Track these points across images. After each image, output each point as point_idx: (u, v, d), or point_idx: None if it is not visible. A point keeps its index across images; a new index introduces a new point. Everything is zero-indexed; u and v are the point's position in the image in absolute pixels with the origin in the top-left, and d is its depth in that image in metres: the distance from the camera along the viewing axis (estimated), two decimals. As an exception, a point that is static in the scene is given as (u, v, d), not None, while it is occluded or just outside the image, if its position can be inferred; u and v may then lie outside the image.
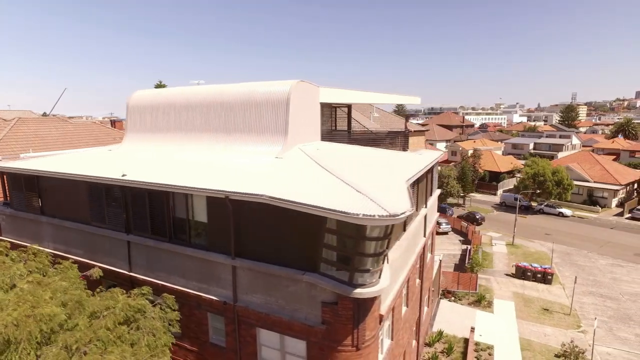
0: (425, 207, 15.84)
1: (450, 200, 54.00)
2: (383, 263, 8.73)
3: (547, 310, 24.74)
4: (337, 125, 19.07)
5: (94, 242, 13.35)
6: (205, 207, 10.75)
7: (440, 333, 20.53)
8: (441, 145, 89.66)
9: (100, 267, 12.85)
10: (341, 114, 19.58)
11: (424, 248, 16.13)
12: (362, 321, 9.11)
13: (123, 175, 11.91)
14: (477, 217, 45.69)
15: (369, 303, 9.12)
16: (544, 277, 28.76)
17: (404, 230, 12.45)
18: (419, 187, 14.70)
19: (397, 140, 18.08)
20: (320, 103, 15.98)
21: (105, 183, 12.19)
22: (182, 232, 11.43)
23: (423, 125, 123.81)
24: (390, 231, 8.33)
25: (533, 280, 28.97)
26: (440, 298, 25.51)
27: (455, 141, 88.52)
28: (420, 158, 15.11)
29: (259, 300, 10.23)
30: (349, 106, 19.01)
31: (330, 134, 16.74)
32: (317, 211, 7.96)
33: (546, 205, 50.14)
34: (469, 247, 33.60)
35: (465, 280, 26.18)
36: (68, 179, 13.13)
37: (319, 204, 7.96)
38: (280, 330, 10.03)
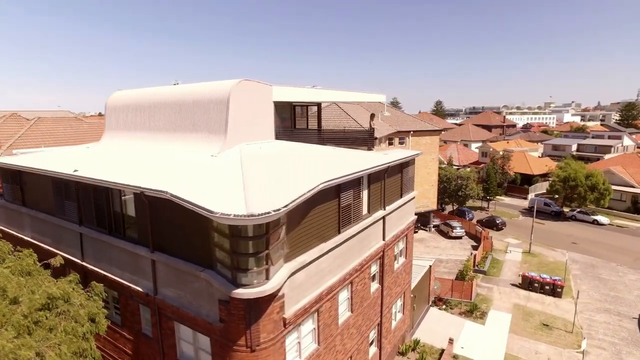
0: (384, 209, 15.30)
1: (472, 203, 51.40)
2: (268, 264, 8.61)
3: (547, 325, 22.79)
4: (310, 123, 18.97)
5: (58, 233, 14.43)
6: (133, 202, 11.25)
7: (416, 342, 19.71)
8: (476, 146, 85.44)
9: (62, 256, 13.91)
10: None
11: (383, 252, 15.60)
12: (254, 322, 9.08)
13: (75, 171, 12.78)
14: (498, 221, 43.06)
15: (261, 304, 9.07)
16: (553, 290, 26.51)
17: (338, 232, 12.14)
18: (371, 188, 14.26)
19: (362, 139, 17.58)
20: (283, 102, 16.05)
21: (60, 178, 13.14)
22: (118, 225, 12.05)
23: (459, 125, 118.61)
24: (266, 231, 8.22)
25: (541, 292, 26.80)
26: (431, 305, 24.44)
27: (490, 141, 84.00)
28: (375, 158, 14.61)
29: (173, 294, 10.55)
30: (318, 105, 18.82)
31: (294, 133, 16.69)
32: (193, 208, 8.07)
33: (579, 212, 46.05)
34: (474, 253, 31.82)
35: (459, 287, 24.85)
36: (37, 174, 14.29)
37: (195, 201, 8.07)
38: (190, 325, 10.28)
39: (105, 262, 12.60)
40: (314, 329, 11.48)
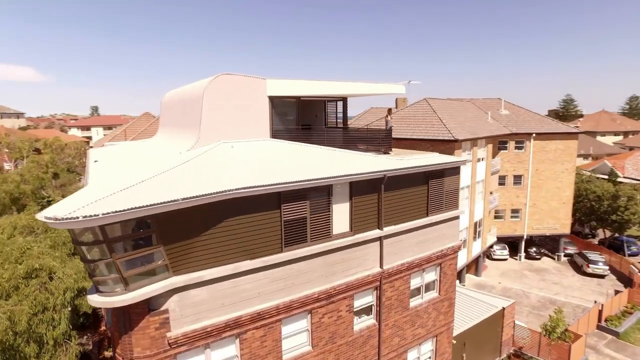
0: (380, 229, 12.18)
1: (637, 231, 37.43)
2: (121, 273, 7.71)
3: None
4: (332, 121, 16.81)
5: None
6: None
7: (451, 402, 15.26)
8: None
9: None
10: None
11: (380, 282, 12.50)
12: (125, 334, 8.42)
13: (95, 162, 14.69)
14: (675, 264, 29.85)
15: (132, 316, 8.32)
16: None
17: (281, 250, 10.19)
18: (356, 201, 11.54)
19: (377, 139, 14.36)
20: (287, 97, 14.69)
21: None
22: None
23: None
24: (103, 237, 7.29)
25: None
26: (503, 360, 18.65)
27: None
28: (372, 164, 11.72)
29: (108, 286, 10.83)
30: (344, 99, 16.39)
31: (301, 132, 14.96)
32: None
33: None
34: (602, 303, 22.67)
35: (552, 346, 18.07)
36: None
37: (71, 197, 7.96)
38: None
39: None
40: (237, 357, 9.98)
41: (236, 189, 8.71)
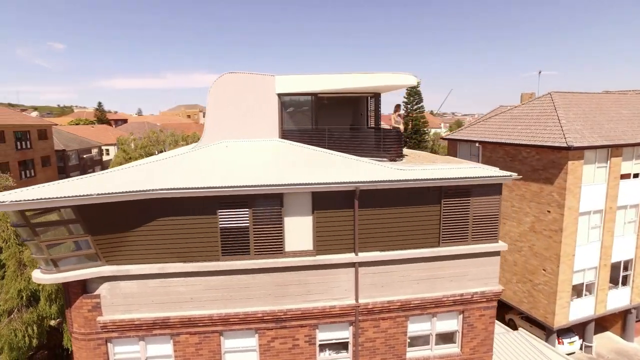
0: (354, 254, 9.91)
1: None
2: (47, 255, 8.69)
3: None
4: (368, 120, 14.53)
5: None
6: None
7: None
8: None
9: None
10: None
11: (355, 317, 10.26)
12: (68, 308, 9.59)
13: (161, 151, 17.27)
14: None
15: (71, 294, 9.40)
16: None
17: (219, 259, 9.57)
18: (317, 217, 9.80)
19: (378, 143, 11.42)
20: (302, 94, 13.65)
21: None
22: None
23: None
24: (25, 221, 8.28)
25: None
26: None
27: None
28: (342, 173, 9.66)
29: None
30: (375, 95, 13.86)
31: (316, 132, 13.57)
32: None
33: None
34: None
35: None
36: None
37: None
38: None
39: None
40: (172, 357, 10.00)
41: (143, 190, 8.62)
